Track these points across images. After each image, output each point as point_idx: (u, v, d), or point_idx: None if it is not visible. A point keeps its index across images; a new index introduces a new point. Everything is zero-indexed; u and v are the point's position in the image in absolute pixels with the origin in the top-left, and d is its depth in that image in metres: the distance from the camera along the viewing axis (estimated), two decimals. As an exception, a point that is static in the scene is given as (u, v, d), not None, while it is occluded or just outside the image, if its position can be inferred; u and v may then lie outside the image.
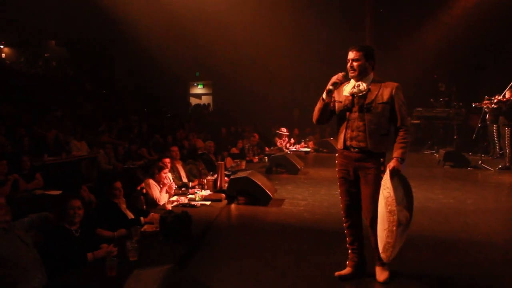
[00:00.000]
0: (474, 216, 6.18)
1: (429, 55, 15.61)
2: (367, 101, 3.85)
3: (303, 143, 13.86)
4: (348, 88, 3.97)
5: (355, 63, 3.87)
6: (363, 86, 3.89)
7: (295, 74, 18.40)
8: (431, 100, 13.86)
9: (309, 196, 7.39)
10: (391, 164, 3.73)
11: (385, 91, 3.84)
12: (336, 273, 4.03)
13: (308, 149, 13.26)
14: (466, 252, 4.76)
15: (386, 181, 3.64)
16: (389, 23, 16.56)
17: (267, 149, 12.18)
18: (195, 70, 23.20)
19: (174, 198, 6.61)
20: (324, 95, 3.96)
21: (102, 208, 5.28)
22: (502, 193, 8.16)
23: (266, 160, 10.25)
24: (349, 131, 3.92)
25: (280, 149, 11.99)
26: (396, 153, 3.78)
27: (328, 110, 4.03)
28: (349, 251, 4.10)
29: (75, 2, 16.48)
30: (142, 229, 4.96)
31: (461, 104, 13.07)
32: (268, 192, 6.67)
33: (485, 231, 5.48)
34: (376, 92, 3.85)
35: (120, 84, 21.37)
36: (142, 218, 5.34)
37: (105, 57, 21.13)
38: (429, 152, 13.41)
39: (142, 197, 6.27)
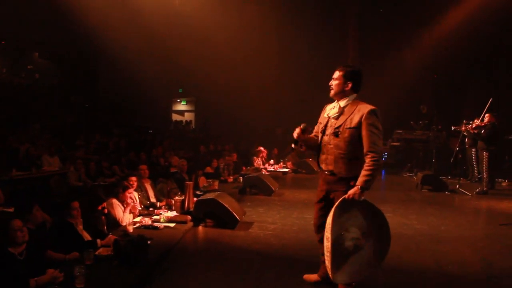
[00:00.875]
0: (446, 244, 6.01)
1: (411, 77, 15.65)
2: (336, 125, 3.85)
3: (282, 163, 13.66)
4: (328, 109, 4.03)
5: (333, 82, 3.93)
6: (337, 108, 3.91)
7: (279, 92, 18.32)
8: (411, 122, 13.82)
9: (279, 220, 7.15)
10: (349, 192, 3.69)
11: (356, 116, 3.78)
12: (305, 276, 4.32)
13: (287, 170, 13.05)
14: (434, 282, 4.61)
15: (332, 208, 3.68)
16: (371, 45, 16.61)
17: (244, 168, 11.96)
18: (179, 87, 23.06)
19: (138, 219, 6.35)
20: (293, 145, 4.10)
21: (56, 229, 5.01)
22: (478, 220, 8.03)
23: (241, 180, 10.00)
24: (321, 154, 3.99)
25: (257, 169, 11.76)
26: (358, 181, 3.71)
27: (311, 143, 4.10)
28: (321, 260, 4.14)
29: (59, 16, 16.31)
30: (97, 252, 4.69)
31: (440, 127, 13.04)
32: (235, 215, 6.41)
33: (456, 260, 5.31)
34: (347, 117, 3.82)
35: (103, 98, 21.11)
36: (99, 241, 5.05)
37: (88, 71, 20.90)
38: (408, 174, 13.33)
39: (103, 217, 5.99)
